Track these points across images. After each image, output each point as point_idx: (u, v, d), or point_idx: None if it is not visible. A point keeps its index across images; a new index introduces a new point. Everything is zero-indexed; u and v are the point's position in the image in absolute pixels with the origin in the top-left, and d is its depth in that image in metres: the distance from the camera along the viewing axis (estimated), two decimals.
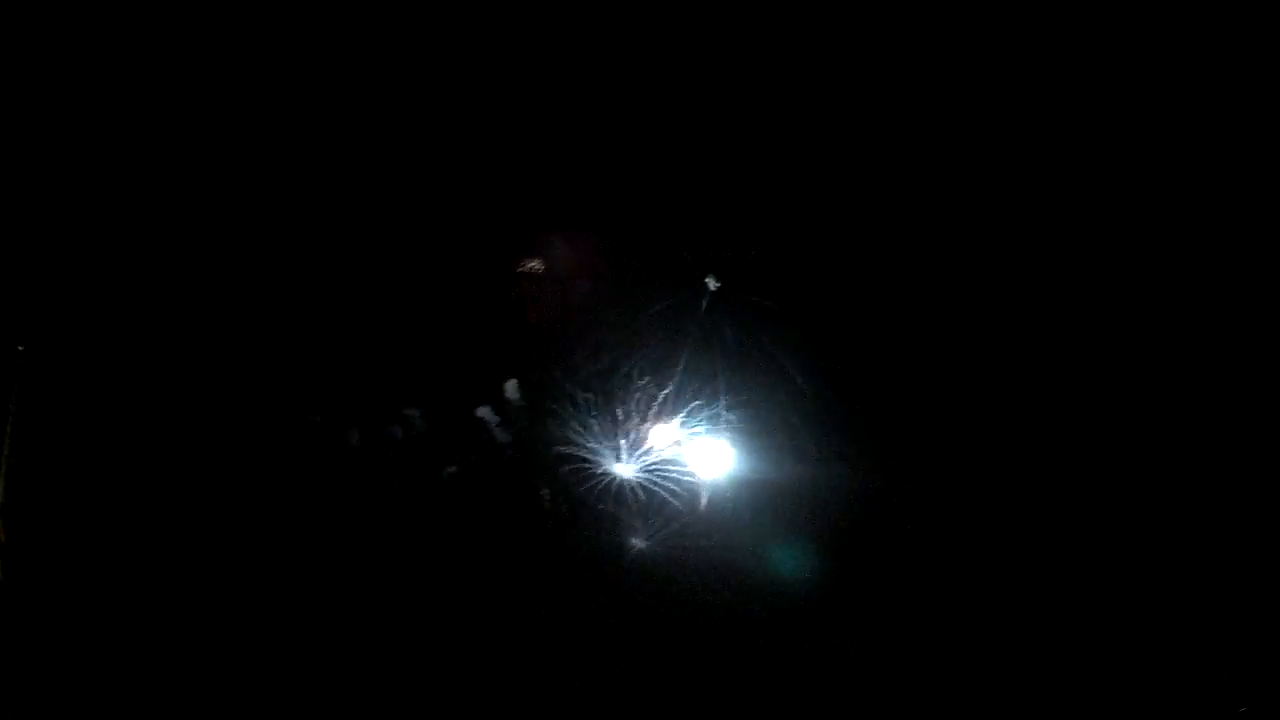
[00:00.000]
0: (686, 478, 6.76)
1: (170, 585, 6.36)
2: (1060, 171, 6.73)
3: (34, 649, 6.18)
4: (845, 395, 6.81)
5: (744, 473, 6.76)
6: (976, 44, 6.67)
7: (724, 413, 6.77)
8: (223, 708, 6.26)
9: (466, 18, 6.66)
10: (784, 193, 6.80)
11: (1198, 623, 6.48)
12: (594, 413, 6.78)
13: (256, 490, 6.54)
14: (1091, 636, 6.51)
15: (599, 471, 6.74)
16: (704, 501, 6.75)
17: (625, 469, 6.76)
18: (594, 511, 6.72)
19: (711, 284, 6.82)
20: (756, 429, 6.77)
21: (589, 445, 6.77)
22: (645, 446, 6.78)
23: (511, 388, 6.83)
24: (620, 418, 6.79)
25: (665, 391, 6.80)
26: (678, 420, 6.79)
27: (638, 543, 6.70)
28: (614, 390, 6.80)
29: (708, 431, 6.77)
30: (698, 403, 6.77)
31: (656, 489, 6.74)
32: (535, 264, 6.88)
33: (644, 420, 6.80)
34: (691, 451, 6.78)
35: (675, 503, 6.73)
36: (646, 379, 6.80)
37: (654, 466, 6.77)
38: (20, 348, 6.44)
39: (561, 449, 6.76)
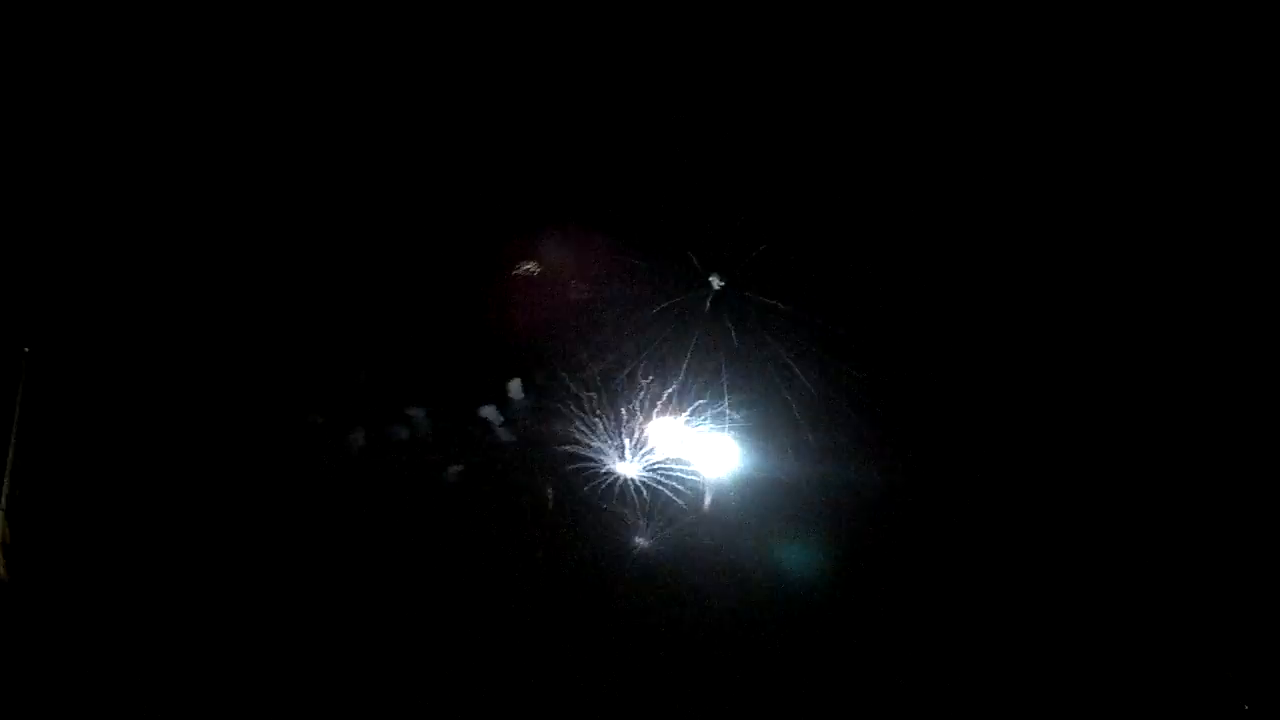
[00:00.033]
0: (691, 477, 6.76)
1: (173, 585, 6.40)
2: (1063, 168, 6.71)
3: (38, 648, 6.24)
4: (849, 394, 6.81)
5: (748, 472, 6.75)
6: (980, 42, 6.64)
7: (728, 412, 6.77)
8: (224, 707, 6.32)
9: (466, 17, 6.63)
10: (789, 191, 6.78)
11: (1203, 621, 6.53)
12: (598, 412, 6.79)
13: (260, 490, 6.56)
14: (1100, 635, 6.55)
15: (603, 471, 6.76)
16: (708, 501, 6.77)
17: (629, 468, 6.77)
18: (598, 511, 6.75)
19: (716, 283, 6.82)
20: (761, 428, 6.76)
21: (593, 444, 6.78)
22: (649, 445, 6.80)
23: (516, 387, 6.85)
24: (624, 417, 6.80)
25: (670, 390, 6.81)
26: (682, 419, 6.80)
27: (642, 542, 6.73)
28: (618, 389, 6.81)
29: (712, 430, 6.79)
30: (702, 401, 6.77)
31: (660, 488, 6.76)
32: (540, 263, 6.88)
33: (648, 419, 6.81)
34: (696, 450, 6.79)
35: (679, 502, 6.75)
36: (651, 378, 6.80)
37: (658, 465, 6.78)
38: (26, 349, 6.48)
39: (566, 448, 6.78)
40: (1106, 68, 6.59)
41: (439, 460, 6.78)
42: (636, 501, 6.73)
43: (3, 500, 6.32)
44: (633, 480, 6.76)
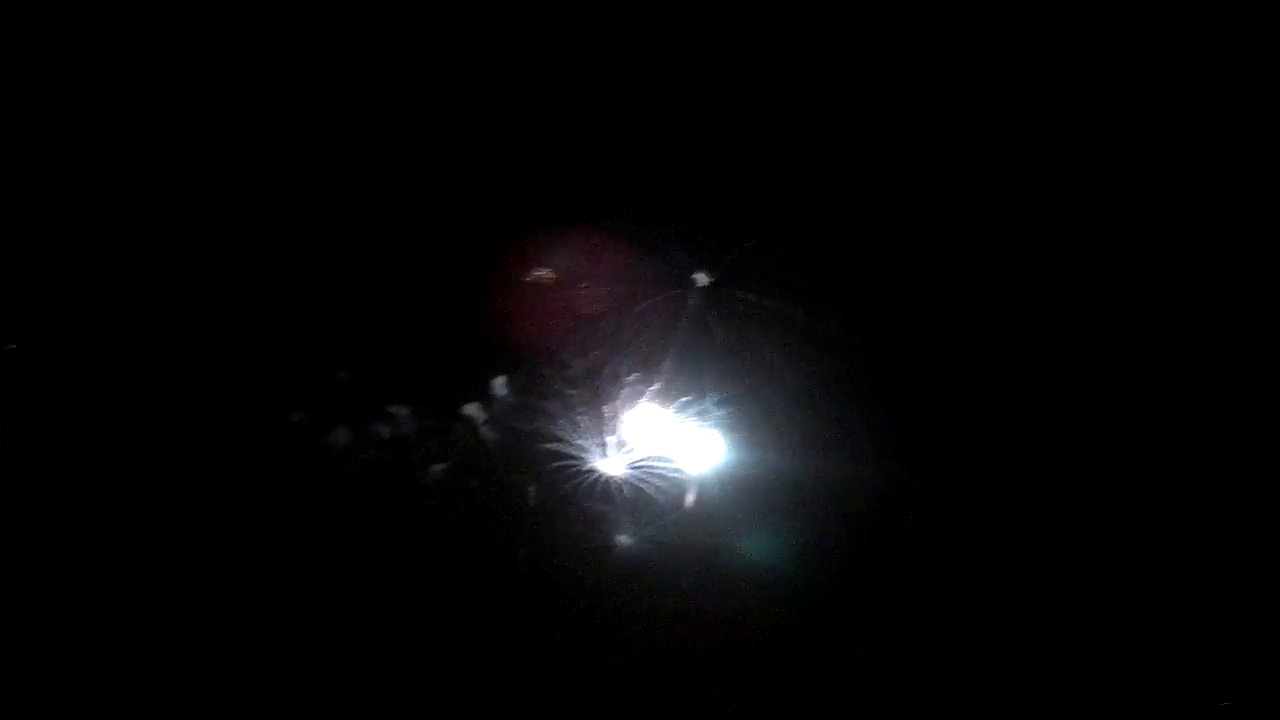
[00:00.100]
0: (674, 473, 6.76)
1: (152, 584, 6.36)
2: (1051, 161, 6.68)
3: (22, 648, 6.25)
4: (835, 389, 6.80)
5: (732, 468, 6.74)
6: (963, 37, 6.63)
7: (713, 409, 6.77)
8: (206, 708, 6.31)
9: (445, 17, 6.63)
10: (774, 188, 6.78)
11: (1193, 620, 6.50)
12: (581, 409, 6.79)
13: (240, 489, 6.55)
14: (1098, 637, 6.52)
15: (586, 468, 6.76)
16: (692, 497, 6.77)
17: (613, 465, 6.77)
18: (581, 508, 6.74)
19: (701, 280, 6.81)
20: (745, 424, 6.74)
21: (576, 442, 6.77)
22: (633, 443, 6.80)
23: (499, 385, 6.84)
24: (608, 414, 6.80)
25: (653, 388, 6.81)
26: (666, 416, 6.80)
27: (625, 539, 6.73)
28: (601, 387, 6.81)
29: (696, 427, 6.78)
30: (686, 399, 6.77)
31: (644, 485, 6.76)
32: (523, 262, 6.88)
33: (631, 417, 6.81)
34: (680, 447, 6.78)
35: (663, 499, 6.75)
36: (634, 375, 6.81)
37: (641, 462, 6.78)
38: (12, 346, 6.49)
39: (549, 446, 6.78)
40: (1087, 61, 6.57)
41: (421, 458, 6.77)
42: (620, 498, 6.73)
43: None
44: (616, 477, 6.76)
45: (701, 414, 6.77)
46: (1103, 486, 6.66)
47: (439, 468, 6.77)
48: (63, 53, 6.44)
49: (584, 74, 6.72)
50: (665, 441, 6.79)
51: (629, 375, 6.79)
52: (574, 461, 6.74)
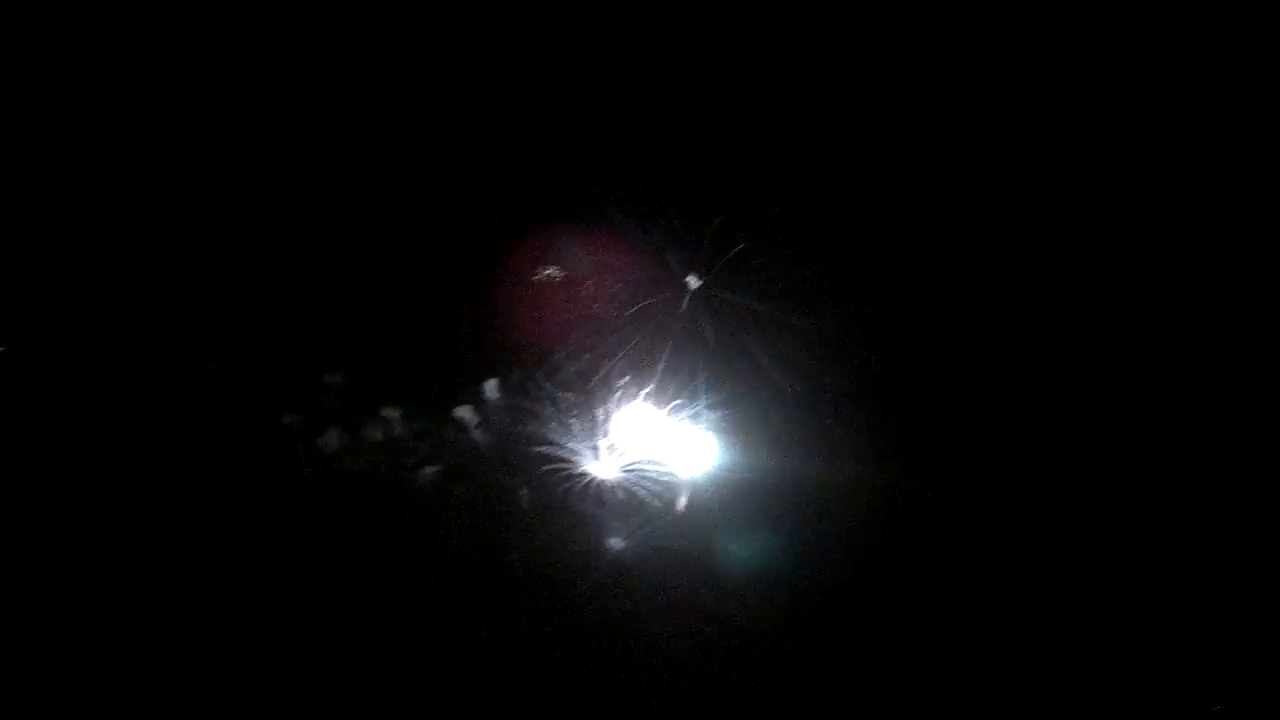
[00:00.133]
0: (667, 477, 6.74)
1: (143, 587, 6.33)
2: (1042, 164, 6.69)
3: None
4: (827, 394, 6.79)
5: (725, 471, 6.72)
6: (953, 39, 6.63)
7: (705, 411, 6.76)
8: (190, 712, 6.29)
9: (435, 21, 6.63)
10: (766, 193, 6.78)
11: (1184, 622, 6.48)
12: (574, 412, 6.78)
13: (230, 491, 6.52)
14: (1093, 641, 6.52)
15: (578, 471, 6.74)
16: (684, 500, 6.75)
17: (605, 468, 6.75)
18: (573, 511, 6.72)
19: (693, 283, 6.81)
20: (738, 428, 6.73)
21: (568, 445, 6.76)
22: (625, 446, 6.78)
23: (491, 388, 6.83)
24: (600, 417, 6.79)
25: (645, 391, 6.80)
26: (658, 419, 6.79)
27: (617, 541, 6.71)
28: (594, 390, 6.80)
29: (688, 430, 6.77)
30: (678, 402, 6.76)
31: (636, 488, 6.75)
32: (517, 265, 6.87)
33: (624, 420, 6.80)
34: (672, 450, 6.77)
35: (655, 502, 6.72)
36: (627, 378, 6.80)
37: (634, 466, 6.77)
38: (3, 348, 6.46)
39: (541, 449, 6.76)
40: (1102, 67, 6.56)
41: (414, 461, 6.75)
42: (612, 501, 6.71)
43: None
44: (608, 480, 6.74)
45: (694, 417, 6.75)
46: (1096, 484, 6.63)
47: (431, 470, 6.75)
48: (50, 50, 6.41)
49: (576, 81, 6.72)
50: (657, 444, 6.77)
51: (622, 379, 6.77)
52: (566, 464, 6.72)
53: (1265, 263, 6.58)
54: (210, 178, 6.62)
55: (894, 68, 6.64)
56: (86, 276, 6.56)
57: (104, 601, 6.32)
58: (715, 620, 6.59)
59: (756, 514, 6.71)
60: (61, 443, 6.47)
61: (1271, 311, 6.57)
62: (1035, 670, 6.49)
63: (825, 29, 6.67)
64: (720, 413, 6.74)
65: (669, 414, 6.76)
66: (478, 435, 6.79)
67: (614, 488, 6.73)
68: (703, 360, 6.76)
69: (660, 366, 6.76)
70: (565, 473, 6.72)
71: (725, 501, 6.72)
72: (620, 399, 6.78)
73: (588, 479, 6.72)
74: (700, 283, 6.79)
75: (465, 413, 6.80)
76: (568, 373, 6.78)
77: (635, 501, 6.71)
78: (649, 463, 6.75)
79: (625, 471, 6.74)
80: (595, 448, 6.75)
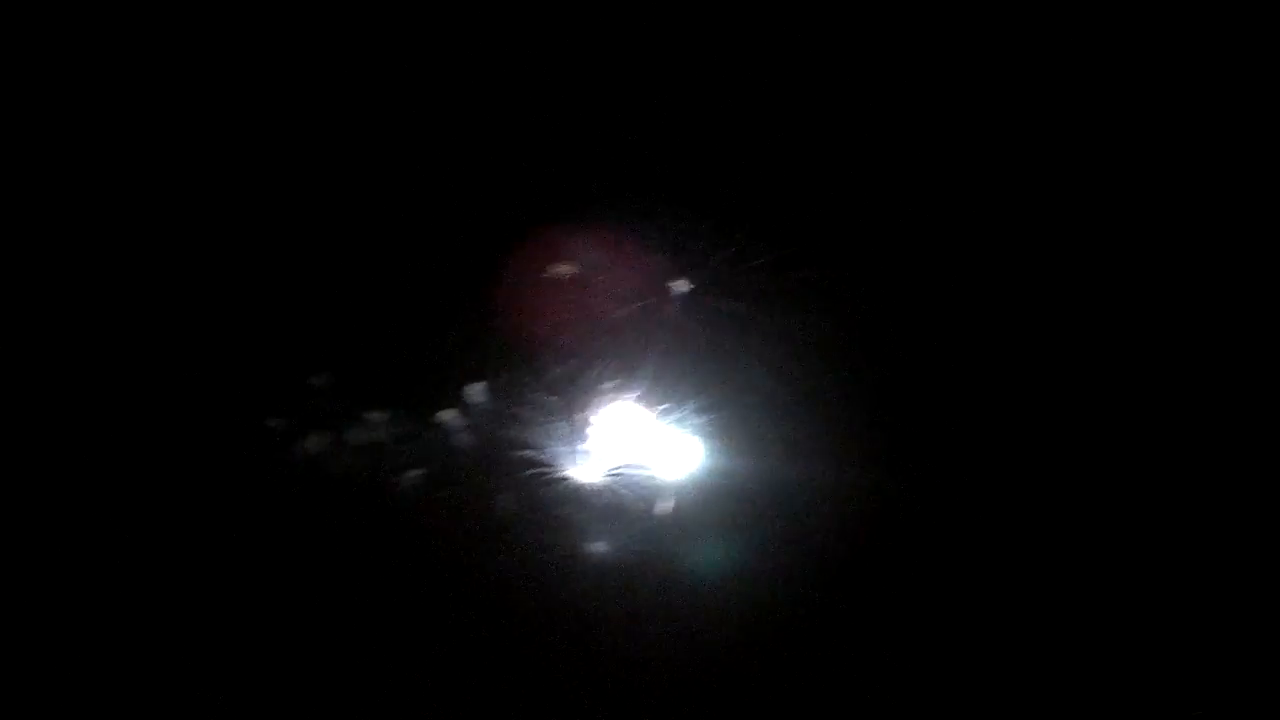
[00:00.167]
0: (652, 481, 6.73)
1: (121, 594, 6.31)
2: (1030, 165, 6.65)
3: None
4: (816, 397, 6.77)
5: (711, 476, 6.70)
6: (940, 42, 6.60)
7: (692, 416, 6.74)
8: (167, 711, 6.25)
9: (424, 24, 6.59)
10: (753, 196, 6.75)
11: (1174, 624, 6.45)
12: (559, 416, 6.75)
13: (210, 496, 6.49)
14: (1084, 647, 6.48)
15: (564, 475, 6.72)
16: (670, 504, 6.73)
17: (590, 472, 6.73)
18: (556, 516, 6.70)
19: (680, 287, 6.79)
20: (724, 432, 6.71)
21: (554, 449, 6.74)
22: (610, 450, 6.76)
23: (476, 391, 6.80)
24: (585, 421, 6.77)
25: (631, 395, 6.78)
26: (643, 423, 6.77)
27: (601, 546, 6.68)
28: (580, 393, 6.77)
29: (675, 435, 6.75)
30: (665, 406, 6.74)
31: (622, 492, 6.72)
32: (501, 266, 6.84)
33: (609, 423, 6.78)
34: (658, 454, 6.74)
35: (641, 506, 6.70)
36: (613, 382, 6.77)
37: (619, 470, 6.75)
38: None
39: (525, 453, 6.74)
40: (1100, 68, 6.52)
41: (395, 466, 6.72)
42: (595, 506, 6.69)
43: None
44: (594, 485, 6.72)
45: (681, 421, 6.73)
46: (1087, 486, 6.62)
47: (413, 475, 6.72)
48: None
49: (559, 83, 6.69)
50: (643, 448, 6.75)
51: (608, 382, 6.75)
52: (550, 469, 6.70)
53: (1259, 265, 6.53)
54: (186, 174, 6.56)
55: (881, 77, 6.61)
56: (61, 276, 6.51)
57: (77, 605, 6.29)
58: (696, 624, 6.57)
59: (741, 518, 6.69)
60: (35, 446, 6.43)
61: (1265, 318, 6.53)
62: (1022, 675, 6.48)
63: (810, 35, 6.64)
64: (706, 417, 6.71)
65: (654, 418, 6.73)
66: (462, 439, 6.76)
67: (598, 491, 6.70)
68: (689, 364, 6.74)
69: (646, 370, 6.73)
70: (549, 477, 6.69)
71: (710, 505, 6.70)
72: (606, 403, 6.76)
73: (572, 483, 6.69)
74: (687, 287, 6.77)
75: (450, 416, 6.77)
76: (554, 376, 6.76)
77: (619, 505, 6.69)
78: (634, 466, 6.72)
79: (610, 475, 6.71)
80: (580, 451, 6.72)
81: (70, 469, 6.42)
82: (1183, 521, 6.53)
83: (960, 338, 6.76)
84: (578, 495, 6.70)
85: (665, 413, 6.73)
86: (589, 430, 6.75)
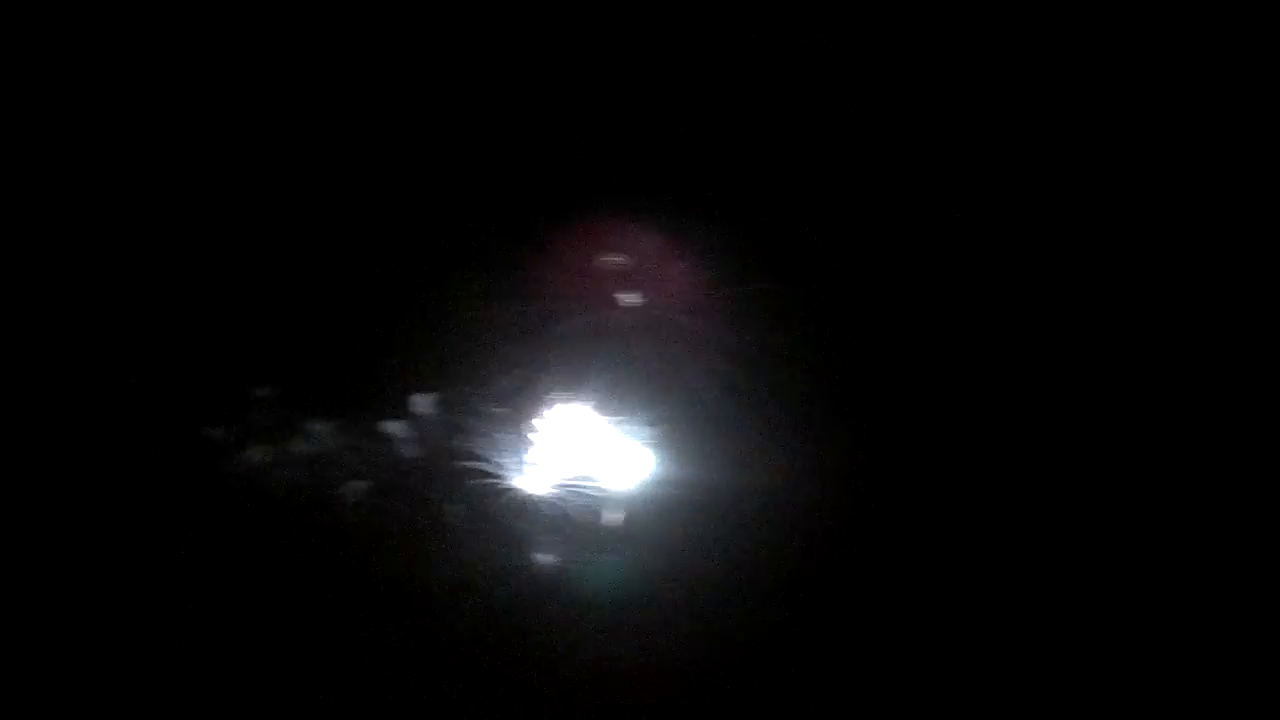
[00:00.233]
0: (600, 493, 6.69)
1: (56, 607, 6.17)
2: (1012, 155, 6.69)
3: None
4: (764, 410, 6.77)
5: (660, 487, 6.67)
6: (921, 43, 6.67)
7: (641, 427, 6.72)
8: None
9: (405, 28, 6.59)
10: (705, 207, 6.78)
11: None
12: (508, 427, 6.72)
13: (150, 508, 6.38)
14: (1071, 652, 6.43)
15: (511, 486, 6.67)
16: (619, 516, 6.69)
17: (538, 483, 6.69)
18: (505, 527, 6.63)
19: (631, 299, 6.79)
20: (673, 443, 6.70)
21: (502, 459, 6.69)
22: (560, 460, 6.72)
23: (423, 401, 6.75)
24: (533, 432, 6.73)
25: (582, 405, 6.76)
26: (594, 434, 6.74)
27: (547, 558, 6.62)
28: (529, 404, 6.74)
29: (624, 446, 6.72)
30: (614, 417, 6.72)
31: (569, 504, 6.68)
32: (450, 276, 6.83)
33: (559, 434, 6.75)
34: (607, 465, 6.72)
35: (589, 517, 6.67)
36: (561, 393, 6.75)
37: (568, 481, 6.71)
38: None
39: (473, 463, 6.68)
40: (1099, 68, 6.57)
41: (340, 477, 6.65)
42: (541, 518, 6.64)
43: None
44: (541, 496, 6.67)
45: (629, 432, 6.72)
46: (1046, 496, 6.62)
47: (357, 485, 6.64)
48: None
49: (511, 94, 6.71)
50: (592, 459, 6.72)
51: (555, 392, 6.73)
52: (497, 479, 6.65)
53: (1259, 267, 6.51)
54: (125, 180, 6.51)
55: (833, 96, 6.67)
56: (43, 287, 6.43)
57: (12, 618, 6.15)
58: (649, 638, 6.51)
59: (690, 529, 6.66)
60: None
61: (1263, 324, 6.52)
62: (978, 687, 6.44)
63: (759, 55, 6.70)
64: (655, 428, 6.70)
65: (603, 429, 6.71)
66: (408, 449, 6.70)
67: (546, 502, 6.65)
68: (639, 376, 6.73)
69: (595, 381, 6.72)
70: (497, 487, 6.64)
71: (659, 517, 6.66)
72: (554, 414, 6.73)
73: (520, 494, 6.64)
74: (637, 298, 6.77)
75: (396, 427, 6.71)
76: (501, 386, 6.73)
77: (567, 516, 6.64)
78: (582, 478, 6.68)
79: (558, 486, 6.67)
80: (528, 462, 6.68)
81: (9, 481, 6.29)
82: (1149, 542, 6.53)
83: (910, 350, 6.80)
84: (525, 506, 6.63)
85: (614, 424, 6.71)
86: (537, 441, 6.71)
